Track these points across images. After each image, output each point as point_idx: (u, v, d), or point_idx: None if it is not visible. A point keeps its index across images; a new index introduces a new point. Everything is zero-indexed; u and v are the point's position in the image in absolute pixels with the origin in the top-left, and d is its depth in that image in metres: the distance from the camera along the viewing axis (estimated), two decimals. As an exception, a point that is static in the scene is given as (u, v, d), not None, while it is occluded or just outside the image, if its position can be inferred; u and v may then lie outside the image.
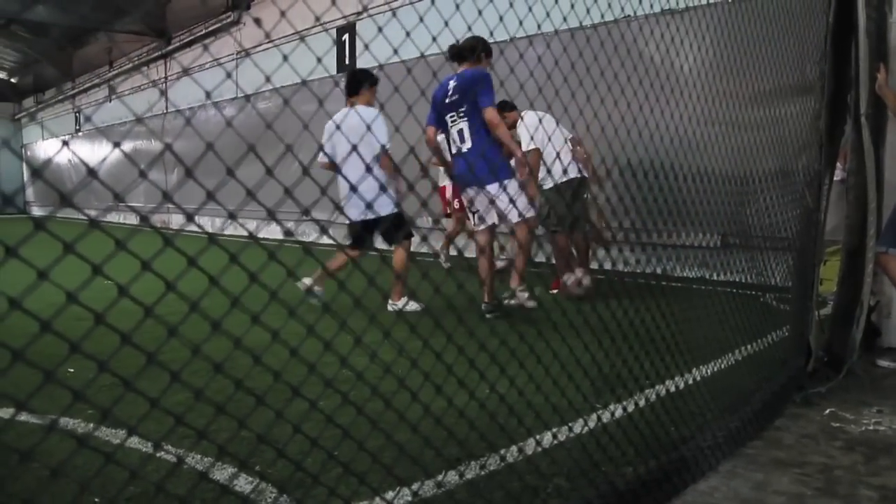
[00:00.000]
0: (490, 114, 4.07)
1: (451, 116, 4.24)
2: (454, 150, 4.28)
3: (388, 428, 1.40)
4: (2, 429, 2.20)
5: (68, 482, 1.83)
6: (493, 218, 4.44)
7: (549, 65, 1.83)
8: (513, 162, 4.42)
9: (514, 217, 4.25)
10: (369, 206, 1.47)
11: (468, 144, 4.20)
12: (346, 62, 9.83)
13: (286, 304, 1.08)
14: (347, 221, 4.44)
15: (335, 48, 9.91)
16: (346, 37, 9.73)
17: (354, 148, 1.24)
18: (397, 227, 4.64)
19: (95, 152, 18.24)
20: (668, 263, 4.88)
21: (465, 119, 4.19)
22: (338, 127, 4.28)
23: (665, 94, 2.17)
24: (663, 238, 4.67)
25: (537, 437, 1.95)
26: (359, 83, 4.62)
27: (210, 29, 12.87)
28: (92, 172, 0.94)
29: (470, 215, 4.45)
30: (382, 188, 1.51)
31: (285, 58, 1.16)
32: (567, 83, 1.84)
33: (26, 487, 1.82)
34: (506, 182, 4.09)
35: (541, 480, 1.93)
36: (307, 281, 4.50)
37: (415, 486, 1.78)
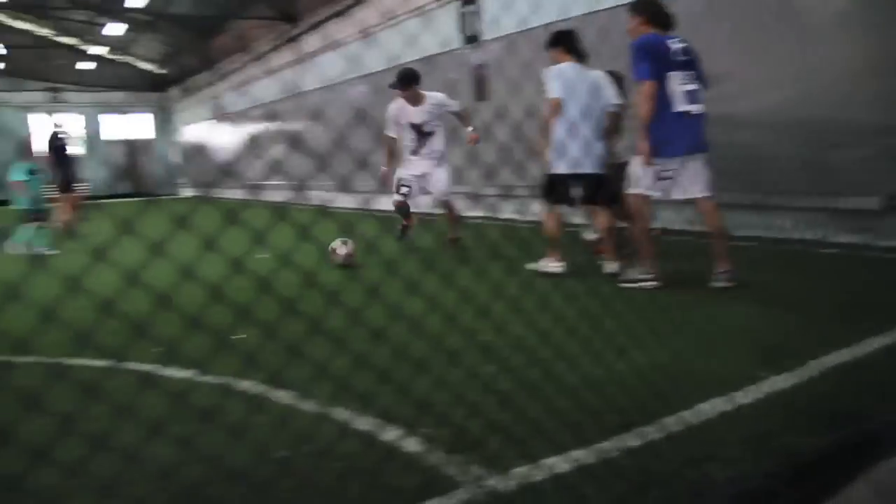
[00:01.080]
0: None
1: (683, 76, 4.05)
2: (682, 110, 4.01)
3: (548, 395, 1.38)
4: (188, 389, 2.41)
5: (252, 437, 1.97)
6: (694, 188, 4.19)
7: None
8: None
9: (703, 190, 3.99)
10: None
11: (700, 107, 4.03)
12: (468, 33, 9.76)
13: (442, 272, 1.08)
14: (553, 172, 4.46)
15: (458, 19, 9.86)
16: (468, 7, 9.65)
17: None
18: (602, 188, 4.56)
19: (234, 135, 19.54)
20: (824, 230, 4.48)
21: (698, 83, 4.07)
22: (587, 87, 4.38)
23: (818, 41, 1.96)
24: (815, 201, 4.28)
25: (700, 405, 1.86)
26: (573, 41, 4.60)
27: (335, 10, 13.27)
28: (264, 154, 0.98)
29: (651, 179, 4.16)
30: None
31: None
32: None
33: (213, 442, 1.98)
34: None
35: (705, 450, 1.84)
36: (550, 265, 4.43)
37: (574, 454, 1.75)
